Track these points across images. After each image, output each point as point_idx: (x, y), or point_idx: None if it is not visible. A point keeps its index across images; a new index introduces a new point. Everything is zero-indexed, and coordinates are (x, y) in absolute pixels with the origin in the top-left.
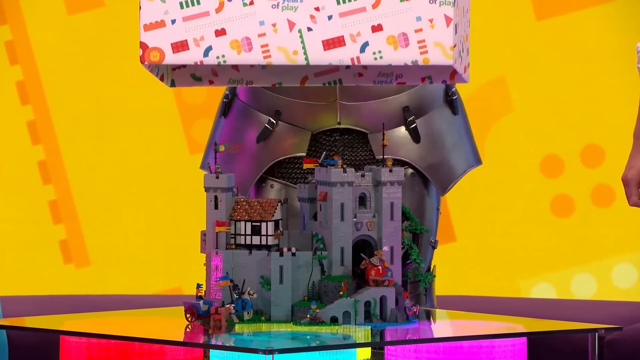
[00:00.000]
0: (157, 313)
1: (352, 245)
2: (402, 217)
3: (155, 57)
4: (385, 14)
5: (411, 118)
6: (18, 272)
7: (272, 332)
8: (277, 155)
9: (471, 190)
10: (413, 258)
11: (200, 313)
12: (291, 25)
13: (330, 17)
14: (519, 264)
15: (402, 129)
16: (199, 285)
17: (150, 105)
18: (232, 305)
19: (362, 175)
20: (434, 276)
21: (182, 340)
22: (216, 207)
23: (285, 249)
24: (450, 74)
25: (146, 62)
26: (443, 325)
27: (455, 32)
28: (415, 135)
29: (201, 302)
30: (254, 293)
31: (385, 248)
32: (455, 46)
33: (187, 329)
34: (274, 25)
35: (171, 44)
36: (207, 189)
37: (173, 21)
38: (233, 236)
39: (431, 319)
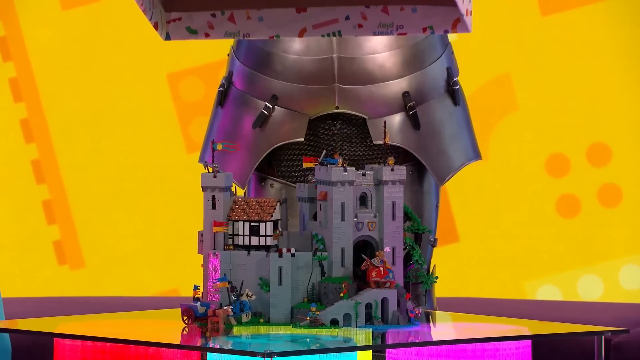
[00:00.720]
0: (153, 315)
1: (353, 246)
2: (404, 217)
3: None
4: None
5: (411, 104)
6: (11, 273)
7: (271, 334)
8: (274, 141)
9: (475, 190)
10: (415, 259)
11: (198, 315)
12: None
13: None
14: (524, 265)
15: (401, 115)
16: (196, 287)
17: (147, 103)
18: (230, 307)
19: (363, 175)
20: (437, 277)
21: (179, 343)
22: (214, 207)
23: (284, 250)
24: (452, 23)
25: None
26: (446, 327)
27: None
28: (414, 121)
29: (198, 304)
30: (252, 295)
31: (387, 249)
32: None
33: (184, 332)
34: None
35: None
36: (204, 189)
37: None
38: (231, 237)
39: (433, 321)
